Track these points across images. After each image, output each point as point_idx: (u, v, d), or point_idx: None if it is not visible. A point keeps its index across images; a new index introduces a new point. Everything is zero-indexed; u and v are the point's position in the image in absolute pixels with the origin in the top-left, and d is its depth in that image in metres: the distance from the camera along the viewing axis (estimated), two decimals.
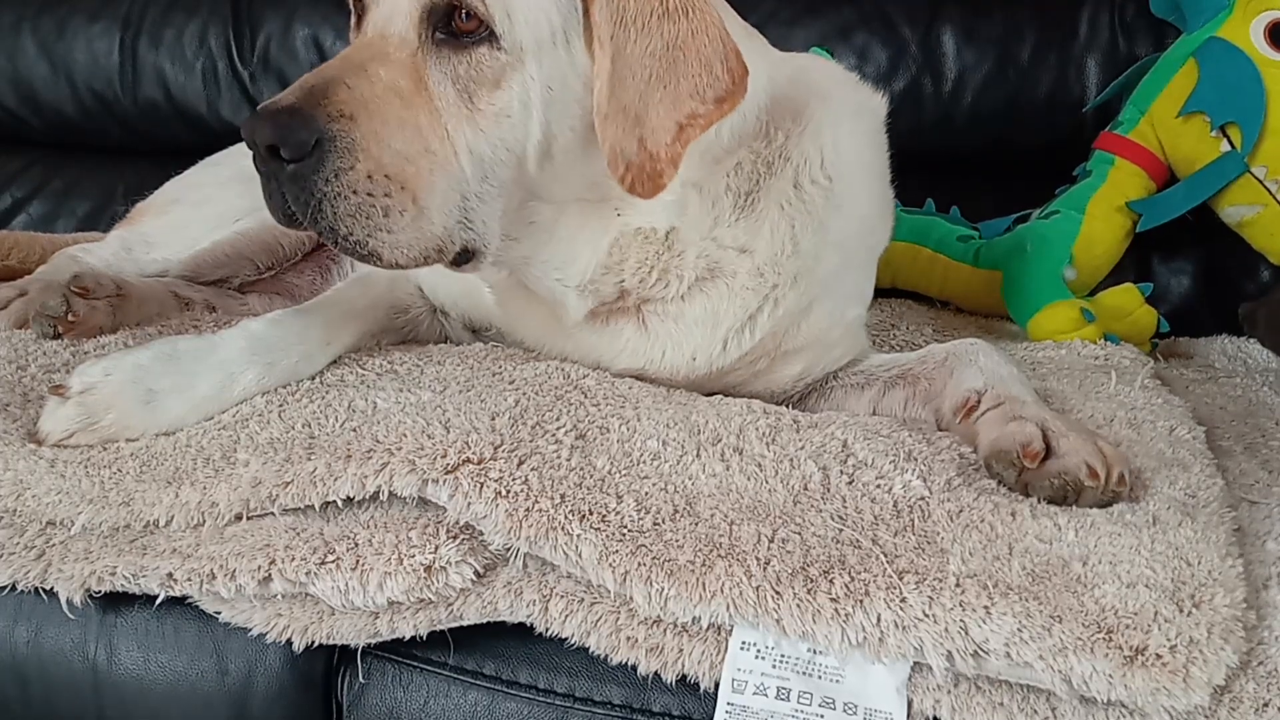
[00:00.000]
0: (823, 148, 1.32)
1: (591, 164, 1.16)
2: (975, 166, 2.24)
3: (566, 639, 1.05)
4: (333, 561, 1.06)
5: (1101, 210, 1.93)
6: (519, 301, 1.36)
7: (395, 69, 1.10)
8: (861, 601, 0.95)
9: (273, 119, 1.06)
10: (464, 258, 1.18)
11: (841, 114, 1.36)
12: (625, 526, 1.03)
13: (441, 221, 1.12)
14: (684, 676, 1.01)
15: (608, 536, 1.02)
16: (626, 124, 1.11)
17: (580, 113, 1.15)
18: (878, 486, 1.10)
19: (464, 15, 1.10)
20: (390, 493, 1.08)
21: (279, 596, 1.09)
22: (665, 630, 1.02)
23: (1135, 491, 1.11)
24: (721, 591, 0.97)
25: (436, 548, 1.05)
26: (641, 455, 1.13)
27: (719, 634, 1.01)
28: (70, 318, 1.44)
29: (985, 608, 0.93)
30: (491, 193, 1.15)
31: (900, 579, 0.96)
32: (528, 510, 1.04)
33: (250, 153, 1.10)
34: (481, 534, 1.06)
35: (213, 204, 1.78)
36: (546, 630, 1.05)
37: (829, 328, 1.39)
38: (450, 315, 1.51)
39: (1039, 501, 1.08)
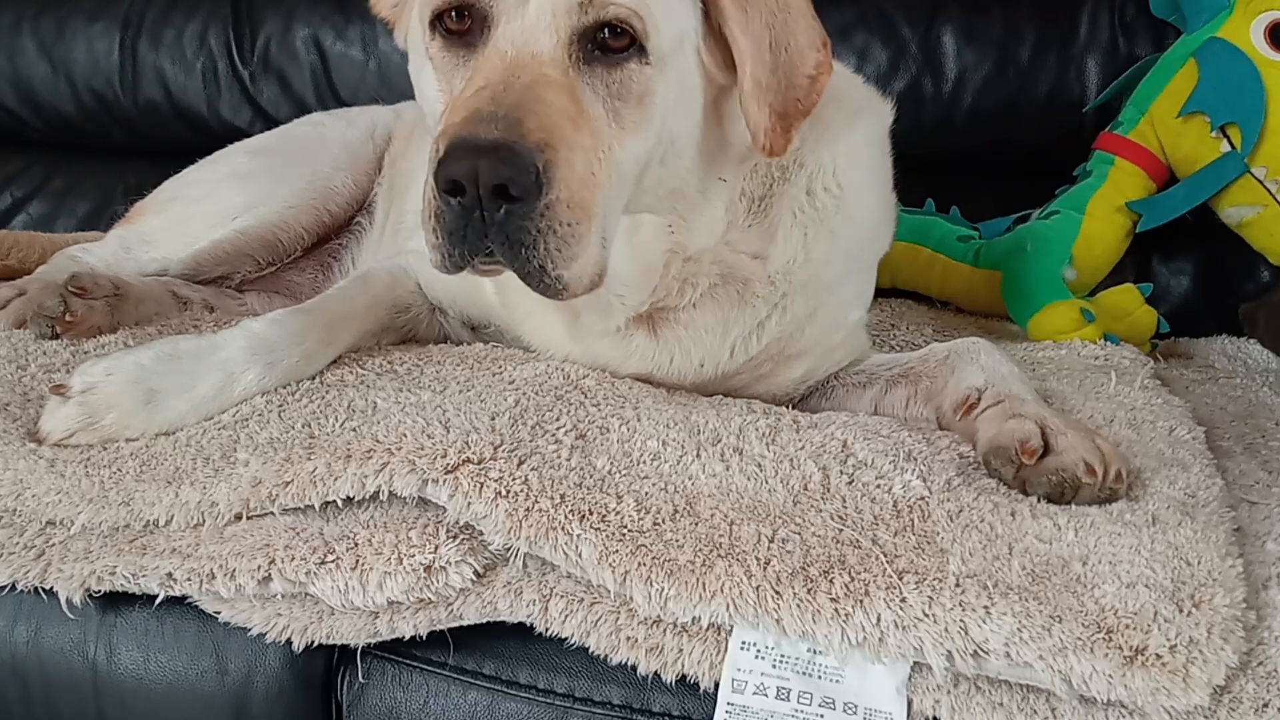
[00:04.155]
0: (836, 155, 1.32)
1: (687, 164, 1.18)
2: (975, 166, 2.24)
3: (566, 639, 1.05)
4: (332, 561, 1.06)
5: (1101, 210, 1.93)
6: (527, 302, 1.36)
7: (558, 91, 1.05)
8: (861, 601, 0.95)
9: (491, 155, 0.98)
10: (601, 277, 1.12)
11: (855, 120, 1.36)
12: (625, 526, 1.03)
13: (598, 242, 1.07)
14: (684, 676, 1.01)
15: (608, 536, 1.02)
16: (761, 95, 1.13)
17: (698, 107, 1.17)
18: (878, 486, 1.10)
19: (614, 32, 1.08)
20: (390, 493, 1.08)
21: (279, 596, 1.09)
22: (665, 630, 1.02)
23: (1132, 489, 1.11)
24: (721, 591, 0.97)
25: (436, 548, 1.05)
26: (641, 455, 1.13)
27: (719, 634, 1.01)
28: (68, 318, 1.44)
29: (985, 608, 0.93)
30: (619, 207, 1.13)
31: (900, 579, 0.96)
32: (528, 510, 1.04)
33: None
34: (481, 534, 1.06)
35: (211, 201, 1.78)
36: (546, 630, 1.05)
37: (831, 331, 1.39)
38: (449, 313, 1.51)
39: (1038, 500, 1.08)
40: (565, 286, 1.06)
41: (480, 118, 1.01)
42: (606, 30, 1.08)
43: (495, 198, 1.00)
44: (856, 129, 1.36)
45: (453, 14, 1.12)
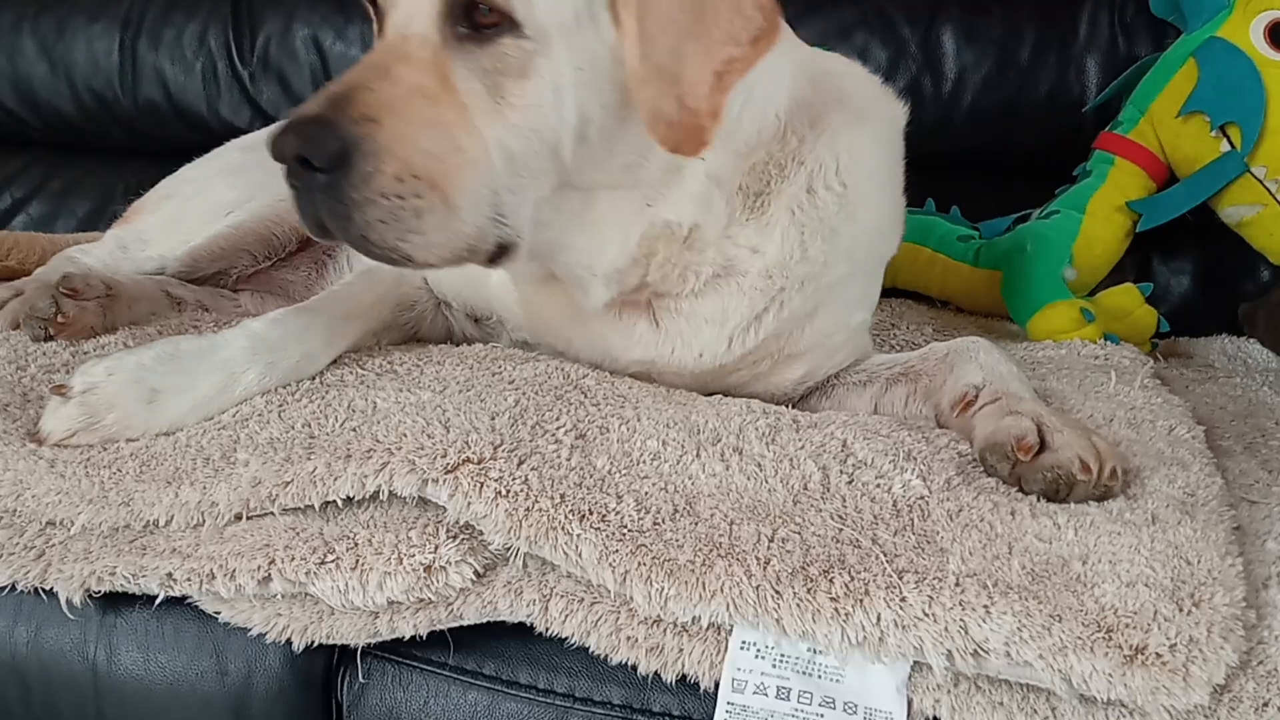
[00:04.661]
0: (838, 155, 1.31)
1: (628, 143, 1.15)
2: (975, 166, 2.24)
3: (566, 639, 1.05)
4: (332, 561, 1.06)
5: (1101, 210, 1.93)
6: (533, 285, 1.35)
7: (418, 69, 1.08)
8: (861, 601, 0.95)
9: (299, 130, 1.04)
10: (499, 254, 1.15)
11: (858, 121, 1.35)
12: (625, 526, 1.03)
13: (473, 220, 1.09)
14: (684, 676, 1.01)
15: (608, 536, 1.02)
16: (662, 84, 1.08)
17: (613, 88, 1.13)
18: (877, 486, 1.10)
19: (484, 9, 1.08)
20: (390, 492, 1.08)
21: (278, 596, 1.09)
22: (665, 630, 1.02)
23: (1128, 487, 1.11)
24: (721, 591, 0.97)
25: (436, 547, 1.05)
26: (641, 455, 1.13)
27: (719, 634, 1.01)
28: (60, 319, 1.43)
29: (985, 607, 0.93)
30: (524, 185, 1.13)
31: (900, 578, 0.96)
32: (528, 510, 1.04)
33: (276, 154, 1.08)
34: (481, 534, 1.06)
35: (205, 197, 1.78)
36: (546, 630, 1.05)
37: (833, 332, 1.39)
38: (453, 307, 1.51)
39: (1037, 499, 1.08)
40: (410, 259, 1.08)
41: (320, 96, 1.06)
42: (481, 8, 1.08)
43: (303, 169, 1.04)
44: (862, 129, 1.35)
45: (370, 5, 1.16)
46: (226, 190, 1.77)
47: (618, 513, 1.04)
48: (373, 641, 1.10)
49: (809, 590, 0.96)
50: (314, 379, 1.30)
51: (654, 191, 1.20)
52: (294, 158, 1.05)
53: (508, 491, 1.05)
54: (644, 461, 1.12)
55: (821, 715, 0.97)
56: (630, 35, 1.08)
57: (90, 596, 1.12)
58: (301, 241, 1.81)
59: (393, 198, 1.04)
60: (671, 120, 1.09)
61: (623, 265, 1.25)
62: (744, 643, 0.99)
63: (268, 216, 1.76)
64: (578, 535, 1.02)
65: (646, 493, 1.08)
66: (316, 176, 1.05)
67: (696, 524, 1.04)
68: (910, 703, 0.96)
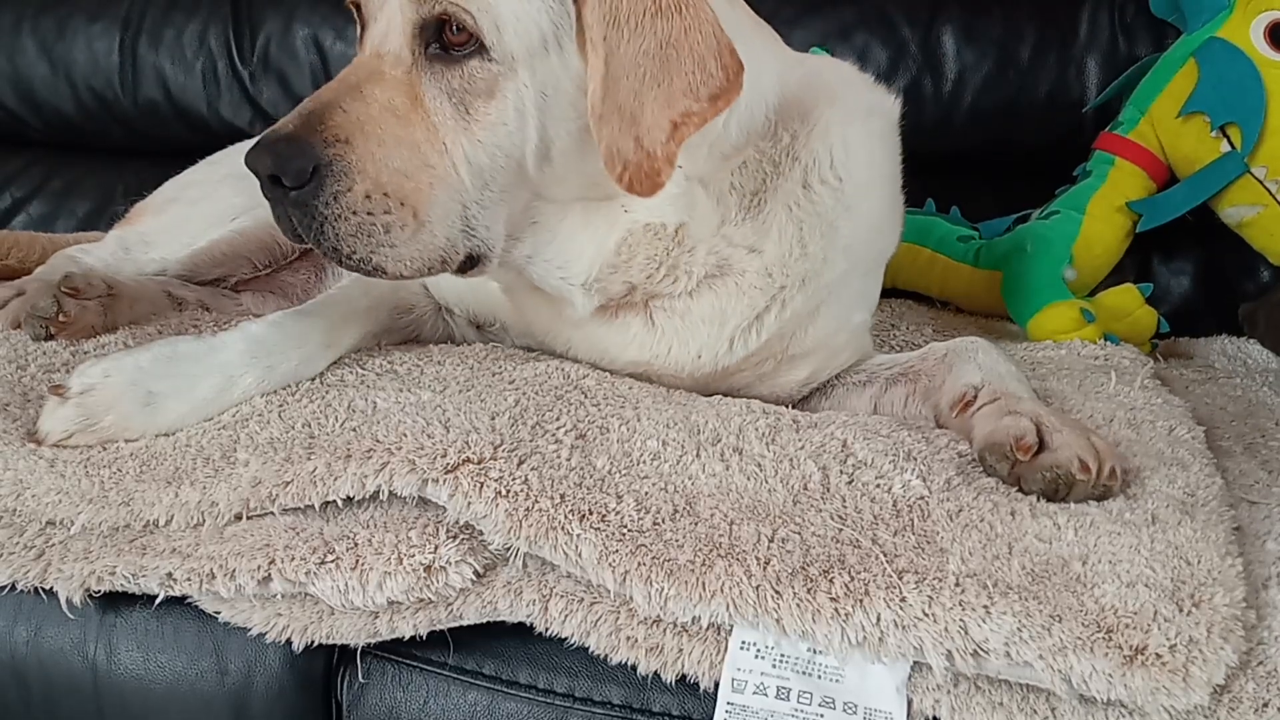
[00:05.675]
0: (831, 147, 1.31)
1: (591, 163, 1.16)
2: (975, 166, 2.24)
3: (566, 639, 1.05)
4: (332, 561, 1.06)
5: (1101, 210, 1.93)
6: (526, 293, 1.36)
7: (390, 87, 1.12)
8: (861, 601, 0.95)
9: (272, 148, 1.09)
10: (470, 264, 1.19)
11: (851, 115, 1.35)
12: (625, 526, 1.03)
13: (444, 232, 1.14)
14: (684, 676, 1.01)
15: (607, 536, 1.02)
16: (622, 124, 1.11)
17: (575, 115, 1.15)
18: (877, 486, 1.10)
19: (454, 29, 1.11)
20: (390, 492, 1.08)
21: (278, 596, 1.09)
22: (665, 630, 1.02)
23: (1128, 487, 1.11)
24: (721, 591, 0.97)
25: (436, 547, 1.05)
26: (641, 455, 1.13)
27: (719, 634, 1.01)
28: (61, 318, 1.43)
29: (985, 607, 0.93)
30: (492, 199, 1.16)
31: (900, 578, 0.96)
32: (527, 510, 1.04)
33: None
34: (481, 534, 1.06)
35: (210, 202, 1.78)
36: (546, 630, 1.05)
37: (835, 332, 1.39)
38: (455, 312, 1.51)
39: (1037, 499, 1.08)
40: (382, 270, 1.12)
41: (295, 114, 1.10)
42: (452, 28, 1.11)
43: (275, 186, 1.10)
44: (855, 122, 1.34)
45: (355, 11, 1.20)
46: (233, 196, 1.76)
47: (618, 513, 1.04)
48: (373, 641, 1.10)
49: (809, 590, 0.96)
50: (314, 379, 1.30)
51: (629, 198, 1.21)
52: (267, 176, 1.09)
53: (508, 491, 1.05)
54: (644, 461, 1.12)
55: (821, 715, 0.97)
56: (595, 73, 1.11)
57: (90, 596, 1.12)
58: (303, 250, 1.81)
59: (363, 214, 1.09)
60: (628, 160, 1.11)
61: (599, 273, 1.25)
62: (744, 643, 0.99)
63: (272, 224, 1.75)
64: (578, 535, 1.02)
65: (646, 493, 1.08)
66: (288, 193, 1.09)
67: (696, 524, 1.04)
68: (910, 703, 0.96)
